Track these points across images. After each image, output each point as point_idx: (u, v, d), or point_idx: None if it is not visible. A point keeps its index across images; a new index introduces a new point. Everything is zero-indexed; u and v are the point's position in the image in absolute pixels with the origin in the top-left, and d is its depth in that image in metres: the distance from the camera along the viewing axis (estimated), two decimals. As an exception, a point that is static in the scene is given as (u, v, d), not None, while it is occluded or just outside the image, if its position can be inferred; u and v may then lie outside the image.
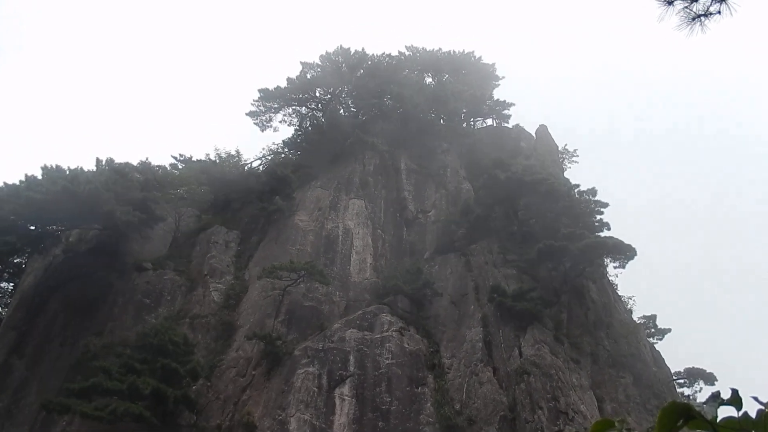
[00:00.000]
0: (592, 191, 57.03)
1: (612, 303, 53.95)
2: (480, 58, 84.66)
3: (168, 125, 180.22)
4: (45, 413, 38.46)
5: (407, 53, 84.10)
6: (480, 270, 51.39)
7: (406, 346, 44.10)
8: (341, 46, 76.79)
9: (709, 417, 2.84)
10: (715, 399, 2.97)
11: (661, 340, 60.88)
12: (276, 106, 74.52)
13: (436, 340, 46.14)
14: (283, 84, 74.42)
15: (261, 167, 69.54)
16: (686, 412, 2.82)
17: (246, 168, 68.23)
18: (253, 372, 42.91)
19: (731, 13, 11.21)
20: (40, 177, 48.50)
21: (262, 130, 75.35)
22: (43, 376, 43.20)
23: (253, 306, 48.21)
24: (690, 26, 11.24)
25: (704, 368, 57.38)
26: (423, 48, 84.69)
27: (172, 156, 69.77)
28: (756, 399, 3.05)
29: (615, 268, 53.42)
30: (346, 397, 40.29)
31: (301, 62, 77.38)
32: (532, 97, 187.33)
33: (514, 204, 55.91)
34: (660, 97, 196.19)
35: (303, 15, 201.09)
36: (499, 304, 45.79)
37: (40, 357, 44.66)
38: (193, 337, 44.71)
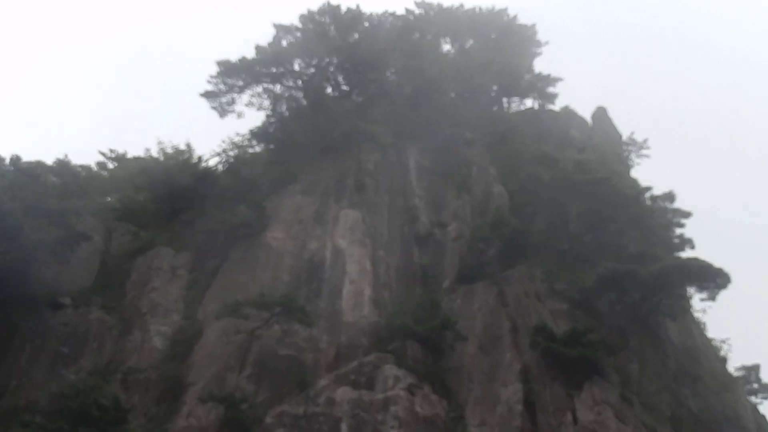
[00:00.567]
0: (670, 196, 57.16)
1: (699, 348, 53.77)
2: (515, 17, 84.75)
3: (93, 111, 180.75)
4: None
5: (417, 11, 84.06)
6: (518, 304, 50.80)
7: (419, 410, 43.33)
8: (328, 2, 76.57)
9: None
10: None
11: (766, 398, 60.48)
12: (241, 83, 74.29)
13: (459, 402, 45.38)
14: (251, 54, 74.38)
15: (220, 166, 69.54)
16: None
17: (200, 167, 68.00)
18: (209, 447, 42.20)
19: None
20: None
21: (222, 116, 75.02)
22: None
23: (209, 356, 47.66)
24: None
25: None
26: (439, 4, 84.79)
27: (100, 152, 69.86)
28: None
29: (702, 300, 53.19)
30: (336, 482, 39.79)
31: (274, 25, 77.35)
32: (587, 70, 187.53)
33: (564, 213, 55.76)
34: None
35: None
36: (545, 351, 45.17)
37: None
38: (127, 399, 43.98)
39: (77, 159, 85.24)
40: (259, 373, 46.14)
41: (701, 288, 51.45)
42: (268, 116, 74.31)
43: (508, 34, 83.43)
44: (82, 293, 52.05)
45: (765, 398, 60.76)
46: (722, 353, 59.79)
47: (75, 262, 53.28)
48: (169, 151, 67.50)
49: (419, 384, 45.27)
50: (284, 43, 76.22)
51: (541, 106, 78.97)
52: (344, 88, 76.12)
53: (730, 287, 50.28)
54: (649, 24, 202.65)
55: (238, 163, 67.14)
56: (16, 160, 53.61)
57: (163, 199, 62.53)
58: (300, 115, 71.08)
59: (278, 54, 74.85)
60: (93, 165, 65.98)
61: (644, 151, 76.25)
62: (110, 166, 66.67)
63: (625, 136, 76.75)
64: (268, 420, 42.29)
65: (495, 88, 78.05)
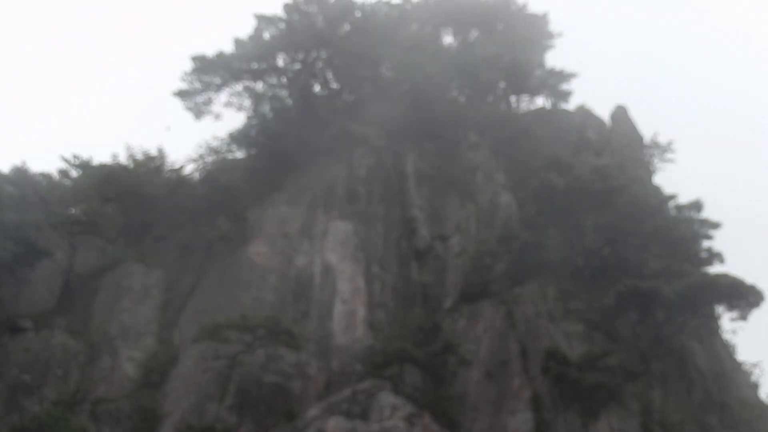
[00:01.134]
0: (697, 205, 57.30)
1: (728, 373, 53.99)
2: (525, 6, 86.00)
3: (54, 111, 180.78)
4: None
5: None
6: (528, 325, 51.68)
7: (419, 441, 44.17)
8: (316, -11, 77.46)
9: None
10: None
11: (802, 428, 60.64)
12: (218, 81, 74.67)
13: (463, 432, 46.27)
14: (229, 48, 74.93)
15: (197, 174, 69.96)
16: None
17: (174, 175, 68.29)
18: (187, 484, 42.94)
19: None
20: None
21: (198, 118, 75.50)
22: None
23: (186, 384, 48.29)
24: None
25: None
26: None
27: (63, 158, 69.80)
28: None
29: (732, 320, 53.19)
30: None
31: (255, 15, 77.77)
32: (604, 64, 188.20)
33: (579, 225, 56.20)
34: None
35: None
36: (558, 377, 45.93)
37: None
38: (96, 432, 44.46)
39: (36, 166, 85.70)
40: (242, 403, 46.59)
41: (731, 307, 51.39)
42: (249, 118, 74.32)
43: (516, 24, 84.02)
44: (44, 315, 52.26)
45: (800, 428, 60.86)
46: (754, 378, 59.93)
47: (35, 280, 53.93)
48: (139, 157, 67.39)
49: (419, 413, 45.72)
50: (267, 35, 76.13)
51: (554, 105, 79.29)
52: (334, 85, 76.44)
53: (764, 306, 50.34)
54: (675, 9, 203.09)
55: (217, 170, 67.15)
56: (-33, 168, 54.05)
57: (132, 211, 62.55)
58: (284, 116, 71.08)
59: (260, 48, 74.84)
60: (54, 173, 65.92)
61: (669, 155, 76.47)
62: (74, 173, 66.41)
63: (647, 138, 76.56)
64: (253, 454, 42.93)
65: (502, 85, 78.09)
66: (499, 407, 47.20)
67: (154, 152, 68.45)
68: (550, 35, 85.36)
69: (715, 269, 53.90)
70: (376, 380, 47.97)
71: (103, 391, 48.38)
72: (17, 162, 63.36)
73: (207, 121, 75.30)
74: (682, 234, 55.41)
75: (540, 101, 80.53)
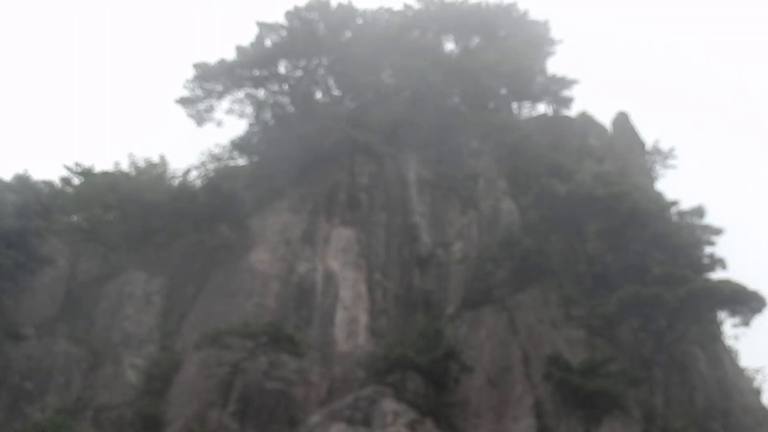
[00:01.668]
0: (699, 211, 57.54)
1: (730, 379, 54.12)
2: (526, 12, 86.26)
3: (57, 119, 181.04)
4: None
5: (417, 6, 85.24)
6: (530, 332, 51.86)
7: (421, 448, 44.22)
8: (317, -4, 77.71)
9: None
10: None
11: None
12: (220, 88, 74.93)
13: (465, 439, 46.37)
14: (231, 56, 75.20)
15: (198, 181, 70.00)
16: None
17: (176, 183, 68.46)
18: (189, 490, 43.10)
19: None
20: None
21: (200, 125, 75.86)
22: None
23: (189, 391, 48.39)
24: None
25: None
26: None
27: (65, 166, 69.73)
28: None
29: (734, 326, 53.87)
30: None
31: (257, 23, 78.13)
32: (605, 71, 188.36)
33: (581, 231, 56.46)
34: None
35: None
36: (560, 383, 46.21)
37: None
38: (99, 439, 44.68)
39: (38, 174, 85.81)
40: (244, 410, 46.69)
41: (733, 313, 52.06)
42: (250, 125, 74.55)
43: (518, 31, 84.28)
44: (47, 323, 52.54)
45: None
46: (756, 384, 60.03)
47: (38, 288, 54.05)
48: (142, 164, 67.64)
49: (421, 419, 45.89)
50: (268, 42, 76.50)
51: (556, 111, 79.34)
52: (335, 92, 76.86)
53: (766, 311, 50.79)
54: (675, 17, 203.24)
55: (218, 177, 67.08)
56: (-32, 176, 54.08)
57: (134, 219, 62.49)
58: (286, 123, 70.85)
59: (261, 55, 75.12)
60: (57, 181, 65.97)
61: (671, 161, 77.12)
62: (76, 181, 66.47)
63: (649, 145, 76.95)
64: (255, 460, 43.04)
65: (504, 91, 78.34)
66: (502, 413, 47.38)
67: (156, 160, 68.72)
68: (552, 42, 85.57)
69: (717, 275, 54.14)
70: (378, 387, 48.13)
71: (106, 398, 48.45)
72: (19, 170, 63.59)
73: (209, 128, 75.55)
74: (684, 240, 55.61)
75: (542, 108, 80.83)
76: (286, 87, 75.50)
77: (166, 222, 61.32)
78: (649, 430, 45.17)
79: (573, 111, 78.83)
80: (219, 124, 75.73)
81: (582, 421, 44.98)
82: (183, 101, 74.64)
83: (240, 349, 47.66)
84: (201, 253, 58.24)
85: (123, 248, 61.45)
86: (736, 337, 59.56)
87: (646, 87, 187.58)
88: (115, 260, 59.57)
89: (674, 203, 58.49)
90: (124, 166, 67.43)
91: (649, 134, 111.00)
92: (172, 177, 68.87)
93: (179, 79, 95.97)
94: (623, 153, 71.66)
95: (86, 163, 67.40)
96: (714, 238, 56.72)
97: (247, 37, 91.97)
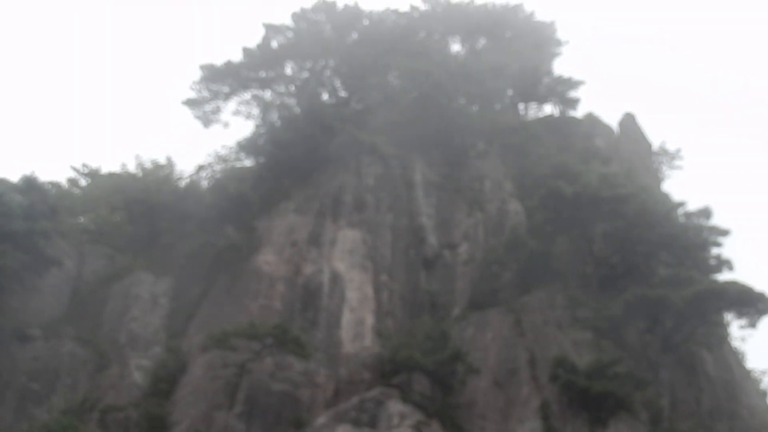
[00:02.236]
0: (706, 212, 57.41)
1: (737, 381, 53.98)
2: (532, 14, 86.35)
3: (63, 121, 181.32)
4: None
5: (423, 8, 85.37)
6: (537, 333, 51.75)
7: (427, 449, 44.17)
8: (323, -2, 77.94)
9: None
10: None
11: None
12: (226, 89, 75.21)
13: (471, 441, 46.29)
14: (238, 57, 75.33)
15: (205, 182, 70.12)
16: None
17: (182, 184, 68.55)
18: (196, 492, 43.09)
19: None
20: None
21: (207, 126, 76.25)
22: None
23: (195, 392, 48.32)
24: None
25: None
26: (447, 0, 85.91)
27: (72, 167, 70.26)
28: None
29: (741, 327, 53.50)
30: None
31: (264, 24, 78.41)
32: (612, 72, 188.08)
33: (587, 233, 56.33)
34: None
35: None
36: (566, 385, 46.07)
37: None
38: (105, 440, 44.61)
39: (45, 175, 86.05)
40: (251, 411, 46.70)
41: (740, 314, 51.73)
42: (257, 126, 74.97)
43: (524, 32, 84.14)
44: (53, 324, 52.76)
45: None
46: (763, 386, 59.98)
47: (44, 289, 54.32)
48: (148, 165, 68.03)
49: (427, 421, 45.91)
50: (275, 44, 76.87)
51: (562, 112, 79.21)
52: (342, 94, 77.15)
53: None
54: (682, 18, 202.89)
55: (225, 178, 67.37)
56: (-25, 177, 53.97)
57: (141, 220, 62.84)
58: (292, 124, 70.49)
59: (268, 56, 75.51)
60: (63, 182, 66.34)
61: (677, 163, 77.22)
62: (83, 183, 66.99)
63: (655, 146, 77.14)
64: (261, 462, 43.03)
65: (510, 92, 78.51)
66: (508, 415, 47.29)
67: (162, 161, 69.03)
68: (558, 43, 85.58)
69: (724, 277, 54.11)
70: (384, 388, 48.09)
71: (112, 399, 48.44)
72: (26, 171, 63.70)
73: (215, 129, 75.71)
74: (690, 241, 55.50)
75: (548, 109, 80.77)
76: (292, 88, 75.86)
77: (173, 223, 61.60)
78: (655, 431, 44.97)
79: (579, 112, 78.86)
80: (225, 125, 76.26)
81: (588, 422, 44.84)
82: (190, 103, 75.01)
83: (246, 350, 47.61)
84: (207, 255, 58.13)
85: (129, 249, 61.83)
86: (742, 339, 59.65)
87: (653, 88, 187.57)
88: (122, 261, 59.81)
89: (681, 204, 58.42)
90: (131, 168, 67.98)
91: (655, 135, 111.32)
92: (179, 178, 69.34)
93: (186, 81, 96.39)
94: (630, 154, 71.73)
95: (93, 165, 68.29)
96: (721, 240, 56.53)
97: (254, 38, 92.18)
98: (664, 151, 77.08)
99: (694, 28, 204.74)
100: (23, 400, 47.87)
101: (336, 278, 55.82)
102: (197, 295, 56.88)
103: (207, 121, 75.72)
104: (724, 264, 55.21)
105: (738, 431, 49.46)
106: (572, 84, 78.63)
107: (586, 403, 45.29)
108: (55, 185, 64.74)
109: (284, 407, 47.26)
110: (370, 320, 53.99)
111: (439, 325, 53.99)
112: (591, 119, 77.13)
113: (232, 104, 75.68)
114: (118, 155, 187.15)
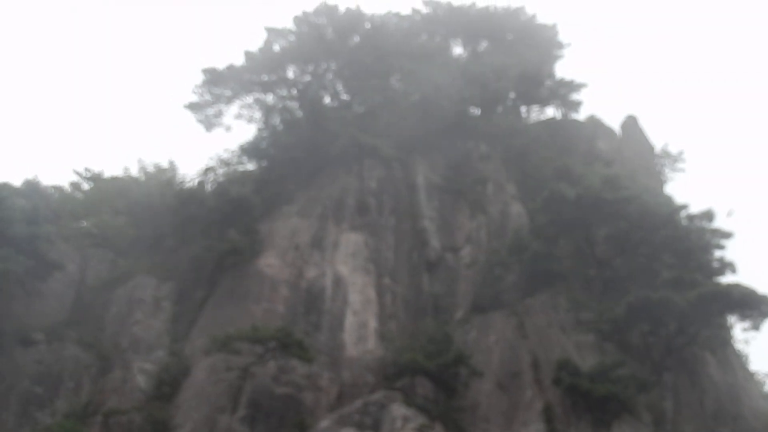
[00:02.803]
0: (708, 215, 57.23)
1: (740, 384, 53.95)
2: (534, 16, 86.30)
3: (66, 125, 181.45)
4: None
5: (425, 10, 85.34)
6: (540, 336, 51.73)
7: (430, 452, 44.09)
8: (325, 1, 77.79)
9: None
10: None
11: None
12: (228, 93, 75.12)
13: (475, 444, 46.17)
14: (240, 61, 75.32)
15: (208, 186, 70.06)
16: None
17: (185, 188, 68.50)
18: (199, 496, 43.14)
19: None
20: None
21: (209, 130, 76.08)
22: None
23: (198, 395, 48.41)
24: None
25: None
26: (448, 2, 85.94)
27: (75, 171, 70.27)
28: None
29: (745, 330, 53.53)
30: None
31: (266, 28, 78.26)
32: (614, 74, 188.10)
33: (590, 235, 56.22)
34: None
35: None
36: (569, 388, 46.00)
37: None
38: (108, 444, 44.59)
39: (48, 179, 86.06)
40: (254, 415, 46.71)
41: (743, 317, 51.55)
42: (259, 130, 74.69)
43: (526, 35, 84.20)
44: (56, 328, 52.85)
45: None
46: (766, 389, 59.83)
47: (47, 293, 54.56)
48: (151, 169, 67.99)
49: (430, 424, 45.83)
50: (277, 48, 76.70)
51: (564, 115, 78.83)
52: (344, 97, 76.87)
53: None
54: (684, 21, 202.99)
55: (227, 182, 67.19)
56: (-23, 181, 54.03)
57: (144, 224, 63.06)
58: (295, 128, 70.87)
59: (270, 60, 75.38)
60: (66, 186, 66.31)
61: (680, 165, 76.87)
62: (85, 186, 66.91)
63: (658, 148, 76.95)
64: (264, 465, 43.03)
65: (512, 95, 77.85)
66: (511, 418, 47.20)
67: (165, 165, 68.99)
68: (560, 45, 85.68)
69: (727, 279, 53.93)
70: (387, 391, 48.03)
71: (115, 403, 48.44)
72: (29, 175, 64.01)
73: (218, 133, 75.61)
74: (693, 244, 55.30)
75: (550, 111, 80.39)
76: (294, 92, 75.71)
77: (176, 227, 61.65)
78: (659, 435, 45.00)
79: (581, 115, 78.64)
80: (228, 129, 76.06)
81: (591, 425, 44.77)
82: (192, 106, 74.95)
83: (249, 354, 47.60)
84: (210, 258, 58.22)
85: (132, 253, 61.89)
86: (746, 341, 59.45)
87: (655, 90, 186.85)
88: (125, 265, 59.94)
89: (683, 207, 58.12)
90: (134, 172, 67.98)
91: (658, 137, 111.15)
92: (182, 182, 69.24)
93: (188, 85, 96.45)
94: (632, 156, 71.68)
95: (96, 169, 68.20)
96: (724, 242, 56.33)
97: (256, 42, 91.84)
98: (666, 154, 76.88)
99: (697, 30, 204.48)
100: (26, 403, 47.98)
101: (339, 281, 55.86)
102: (200, 299, 56.96)
103: (209, 124, 75.67)
104: (727, 266, 55.00)
105: (742, 434, 49.50)
106: (574, 86, 78.27)
107: (589, 406, 45.24)
108: (58, 189, 64.80)
109: (287, 411, 47.23)
110: (373, 323, 54.02)
111: (442, 328, 54.01)
112: (593, 122, 77.10)
113: (234, 108, 75.61)
114: (120, 159, 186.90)
